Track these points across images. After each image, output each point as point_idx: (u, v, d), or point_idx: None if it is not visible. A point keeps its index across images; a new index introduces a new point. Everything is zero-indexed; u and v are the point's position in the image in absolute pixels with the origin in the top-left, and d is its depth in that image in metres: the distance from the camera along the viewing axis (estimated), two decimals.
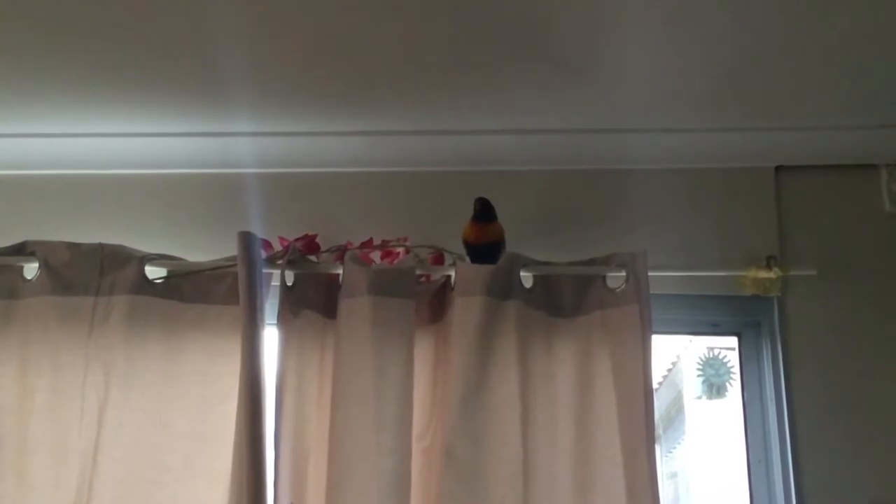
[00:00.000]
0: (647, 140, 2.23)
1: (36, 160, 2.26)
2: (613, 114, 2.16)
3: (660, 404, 3.25)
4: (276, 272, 1.97)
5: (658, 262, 2.03)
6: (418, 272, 2.00)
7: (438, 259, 2.08)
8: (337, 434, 1.86)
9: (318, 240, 2.09)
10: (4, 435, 1.91)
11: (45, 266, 1.98)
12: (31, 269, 2.00)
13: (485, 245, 2.02)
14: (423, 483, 1.90)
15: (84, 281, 1.97)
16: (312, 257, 2.05)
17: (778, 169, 2.25)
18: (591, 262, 2.03)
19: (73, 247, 1.99)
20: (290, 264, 1.97)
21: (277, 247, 2.05)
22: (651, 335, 1.92)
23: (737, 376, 2.22)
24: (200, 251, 2.04)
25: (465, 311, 1.93)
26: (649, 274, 1.96)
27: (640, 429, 1.87)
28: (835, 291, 2.15)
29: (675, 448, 3.29)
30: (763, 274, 2.11)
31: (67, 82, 2.06)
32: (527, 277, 2.01)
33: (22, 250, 2.00)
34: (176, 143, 2.24)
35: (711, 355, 2.55)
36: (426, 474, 1.91)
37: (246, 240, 1.92)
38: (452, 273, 1.98)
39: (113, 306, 1.95)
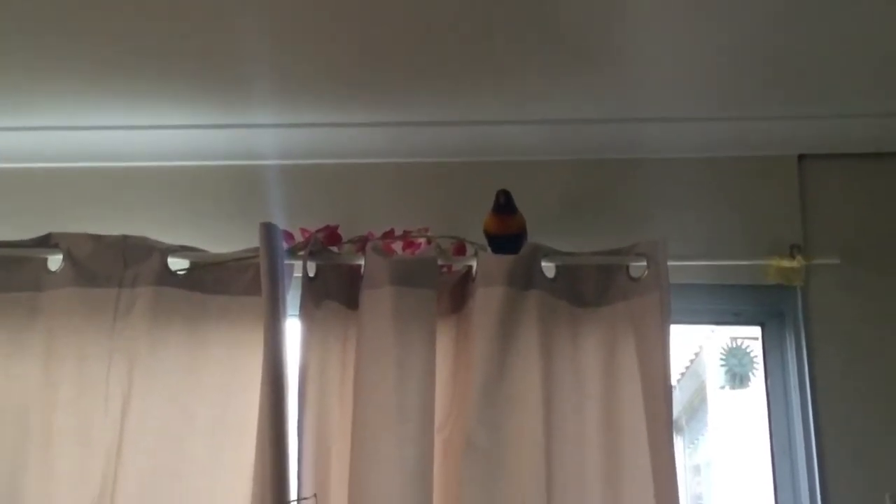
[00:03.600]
0: (668, 129, 2.23)
1: (59, 153, 2.27)
2: (634, 102, 2.16)
3: (683, 395, 3.25)
4: (298, 263, 1.97)
5: (681, 252, 2.03)
6: (440, 262, 2.00)
7: (460, 249, 2.08)
8: (359, 424, 1.88)
9: (339, 231, 2.09)
10: (29, 426, 1.93)
11: (69, 258, 1.99)
12: (55, 261, 2.01)
13: (506, 236, 2.02)
14: (444, 473, 1.90)
15: (108, 272, 1.98)
16: (334, 248, 2.05)
17: (801, 157, 2.24)
18: (613, 251, 2.03)
19: (97, 239, 2.00)
20: (312, 255, 1.98)
21: (299, 238, 2.06)
22: (670, 324, 1.93)
23: (760, 366, 2.22)
24: (222, 243, 2.05)
25: (487, 301, 1.93)
26: (671, 263, 1.96)
27: (663, 419, 1.87)
28: (859, 280, 2.14)
29: (698, 439, 3.28)
30: (786, 263, 2.11)
31: (89, 74, 2.06)
32: (549, 267, 2.01)
33: (46, 242, 2.02)
34: (198, 135, 2.25)
35: (734, 345, 2.54)
36: (447, 465, 1.92)
37: (268, 231, 1.93)
38: (474, 263, 1.99)
39: (136, 298, 1.97)
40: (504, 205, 2.00)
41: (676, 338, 1.94)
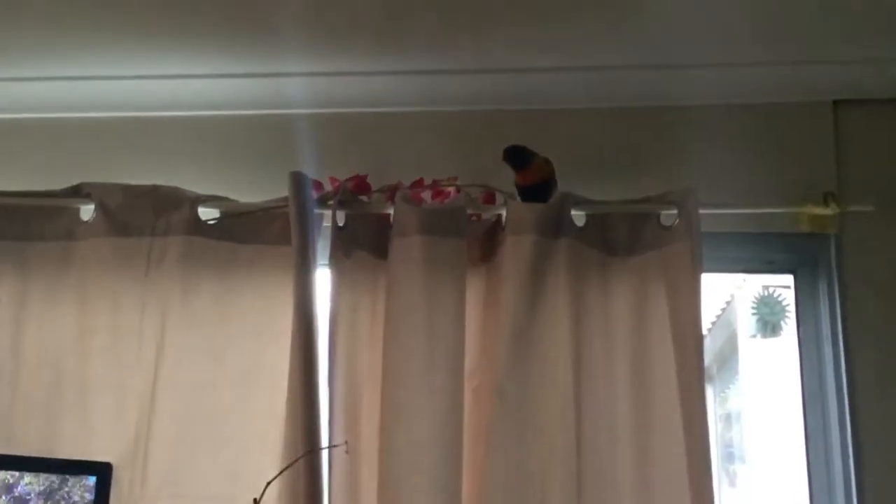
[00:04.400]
0: (699, 75, 2.20)
1: (88, 102, 2.26)
2: (664, 49, 2.12)
3: (714, 344, 3.26)
4: (328, 212, 1.99)
5: (712, 200, 2.02)
6: (469, 211, 2.01)
7: (489, 198, 2.08)
8: (389, 373, 1.89)
9: (368, 180, 2.08)
10: (65, 375, 1.96)
11: (101, 207, 2.01)
12: (87, 211, 2.04)
13: (532, 185, 2.02)
14: (473, 422, 1.92)
15: (139, 222, 2.00)
16: (363, 198, 2.06)
17: (836, 103, 2.21)
18: (644, 200, 2.03)
19: (128, 189, 2.02)
20: (341, 204, 1.99)
21: (328, 187, 2.05)
22: (701, 273, 1.92)
23: (792, 315, 2.21)
24: (252, 192, 2.06)
25: (516, 249, 1.94)
26: (703, 212, 1.96)
27: (694, 368, 1.88)
28: (893, 228, 2.13)
29: (729, 388, 3.29)
30: (820, 210, 2.08)
31: (117, 23, 2.04)
32: (579, 216, 2.02)
33: (78, 192, 2.04)
34: (227, 83, 2.23)
35: (766, 293, 2.54)
36: (477, 413, 1.92)
37: (297, 180, 1.94)
38: (503, 212, 1.99)
39: (168, 247, 1.99)
40: (512, 161, 2.00)
41: (708, 286, 1.94)
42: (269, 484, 1.72)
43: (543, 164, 2.03)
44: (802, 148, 2.21)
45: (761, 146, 2.21)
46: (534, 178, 2.02)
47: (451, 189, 2.07)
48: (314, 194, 1.99)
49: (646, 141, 2.23)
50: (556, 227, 1.96)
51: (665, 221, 2.01)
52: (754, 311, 2.61)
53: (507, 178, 2.04)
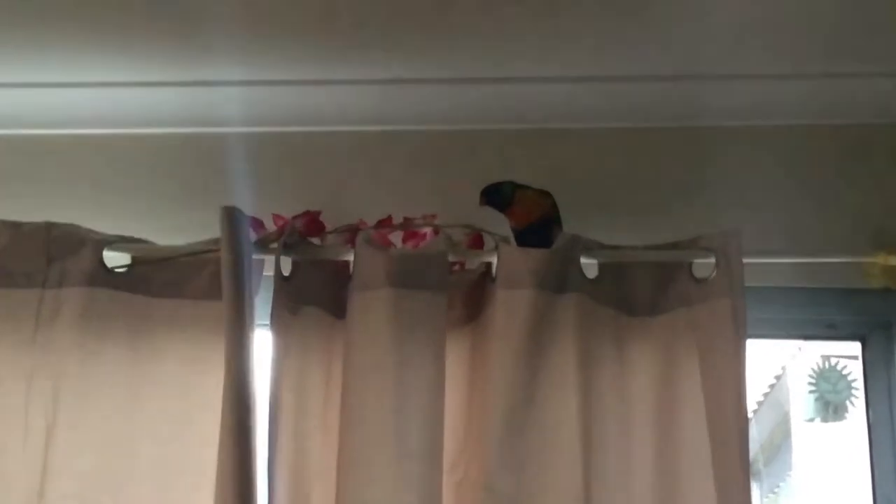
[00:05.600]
0: (738, 88, 2.22)
1: None
2: (696, 55, 2.15)
3: (761, 430, 3.28)
4: (270, 259, 1.97)
5: (758, 247, 2.02)
6: (451, 258, 1.99)
7: (476, 241, 2.07)
8: (347, 462, 1.87)
9: (321, 218, 2.08)
10: None
11: None
12: None
13: (528, 227, 2.03)
14: None
15: (27, 269, 1.98)
16: (315, 240, 2.05)
17: None
18: (672, 245, 2.02)
19: (14, 226, 2.00)
20: (288, 248, 1.98)
21: (271, 227, 2.05)
22: (745, 339, 1.92)
23: (860, 393, 2.22)
24: (174, 232, 2.06)
25: (511, 307, 1.93)
26: (746, 261, 1.95)
27: (735, 460, 1.87)
28: None
29: (780, 485, 3.29)
30: (894, 261, 2.09)
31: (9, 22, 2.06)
32: (590, 265, 2.01)
33: None
34: (143, 94, 2.24)
35: (827, 366, 2.55)
36: None
37: (231, 217, 1.92)
38: (494, 260, 1.98)
39: (63, 301, 1.97)
40: (493, 205, 2.02)
41: (753, 356, 1.94)
42: None
43: (537, 198, 2.04)
44: (870, 182, 2.22)
45: (819, 179, 2.23)
46: (528, 216, 2.03)
47: (428, 230, 2.07)
48: (253, 235, 1.99)
49: (674, 170, 2.25)
50: (560, 279, 1.95)
51: (699, 273, 2.00)
52: (812, 388, 2.61)
53: (499, 217, 2.04)
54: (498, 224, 2.04)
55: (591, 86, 2.23)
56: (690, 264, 2.01)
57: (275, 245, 1.98)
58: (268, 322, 1.93)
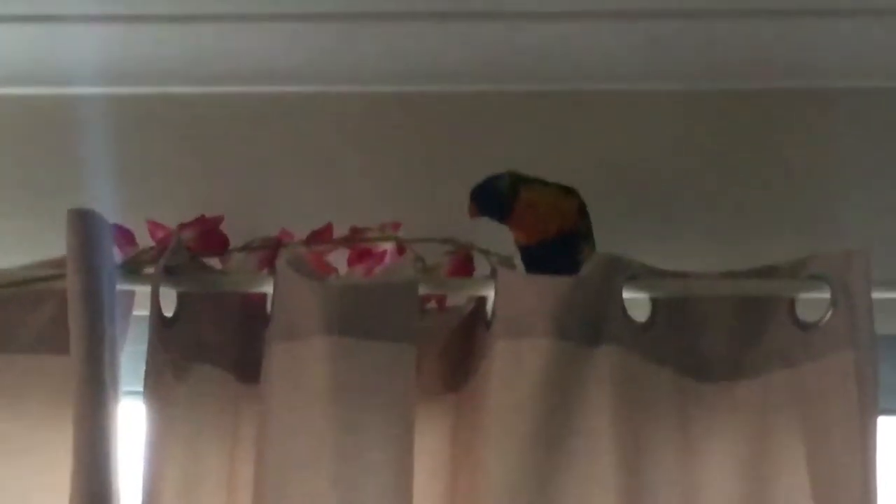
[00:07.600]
0: (852, 31, 2.23)
1: None
2: None
3: None
4: (145, 291, 1.91)
5: (886, 275, 2.01)
6: (423, 290, 1.94)
7: (462, 265, 2.03)
8: None
9: (223, 227, 2.06)
10: None
11: None
12: None
13: (542, 243, 2.00)
14: None
15: None
16: (214, 261, 2.02)
17: None
18: (763, 270, 1.99)
19: None
20: (172, 275, 1.92)
21: (146, 240, 2.02)
22: (876, 413, 1.88)
23: None
24: None
25: (515, 366, 1.88)
26: (878, 296, 1.92)
27: None
28: None
29: None
30: None
31: None
32: (639, 303, 1.97)
33: None
34: None
35: None
36: None
37: (83, 225, 1.86)
38: (490, 293, 1.93)
39: None
40: (488, 212, 2.00)
41: (887, 438, 1.92)
42: None
43: (555, 198, 2.00)
44: None
45: None
46: (542, 228, 2.00)
47: (388, 247, 2.04)
48: (118, 254, 1.95)
49: (760, 155, 2.26)
50: (592, 324, 1.90)
51: (806, 314, 1.96)
52: None
53: (497, 227, 2.01)
54: (496, 238, 2.01)
55: (626, 26, 2.24)
56: (793, 301, 1.96)
57: (151, 269, 1.91)
58: (140, 389, 1.86)
